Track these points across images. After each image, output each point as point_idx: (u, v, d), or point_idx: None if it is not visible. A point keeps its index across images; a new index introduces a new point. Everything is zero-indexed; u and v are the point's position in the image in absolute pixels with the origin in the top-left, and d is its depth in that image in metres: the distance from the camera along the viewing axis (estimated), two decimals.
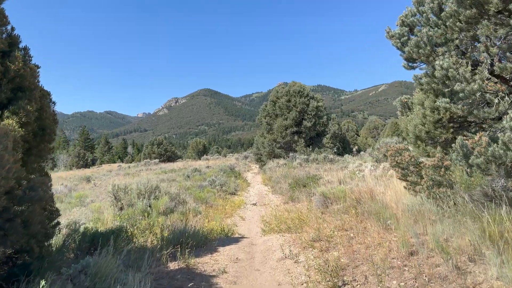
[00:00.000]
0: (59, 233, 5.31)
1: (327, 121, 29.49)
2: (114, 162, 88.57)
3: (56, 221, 4.69)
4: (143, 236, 5.78)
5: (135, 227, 5.96)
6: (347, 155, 28.16)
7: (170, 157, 47.90)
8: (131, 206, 9.13)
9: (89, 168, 66.48)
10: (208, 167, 31.57)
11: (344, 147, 31.44)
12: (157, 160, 41.41)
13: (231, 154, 73.51)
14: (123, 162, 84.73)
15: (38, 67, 4.41)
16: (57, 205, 13.32)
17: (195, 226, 6.65)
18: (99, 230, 5.68)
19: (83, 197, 14.55)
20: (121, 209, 9.37)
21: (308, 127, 27.98)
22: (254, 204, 12.28)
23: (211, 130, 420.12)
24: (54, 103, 4.62)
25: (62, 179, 26.82)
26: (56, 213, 4.70)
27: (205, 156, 47.07)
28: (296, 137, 28.90)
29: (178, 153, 60.46)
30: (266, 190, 16.78)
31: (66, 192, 15.99)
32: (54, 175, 37.67)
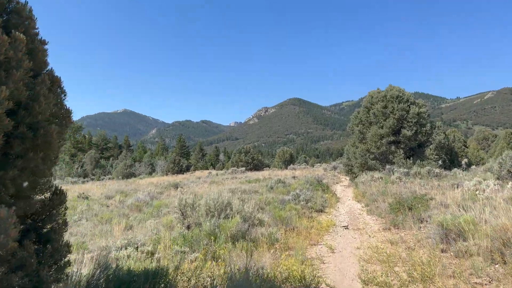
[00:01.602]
0: (78, 272, 3.98)
1: (431, 129, 25.86)
2: (207, 168, 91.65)
3: (65, 260, 3.33)
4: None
5: (178, 271, 4.43)
6: (455, 169, 24.26)
7: (257, 166, 47.21)
8: (199, 225, 7.77)
9: (183, 174, 69.18)
10: (294, 177, 29.85)
11: (451, 159, 27.37)
12: (243, 169, 40.88)
13: (319, 164, 70.92)
14: (214, 168, 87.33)
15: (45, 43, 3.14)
16: (135, 215, 12.70)
17: (265, 268, 4.94)
18: (132, 269, 4.25)
19: (162, 206, 13.80)
20: (188, 227, 8.07)
21: (408, 136, 24.72)
22: (346, 227, 10.20)
23: (299, 139, 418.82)
24: (65, 93, 3.28)
25: (153, 185, 27.27)
26: (64, 249, 3.34)
27: (291, 165, 45.48)
28: (393, 148, 25.78)
29: (265, 161, 59.84)
30: (359, 208, 14.48)
31: (147, 201, 15.51)
32: (147, 180, 39.20)
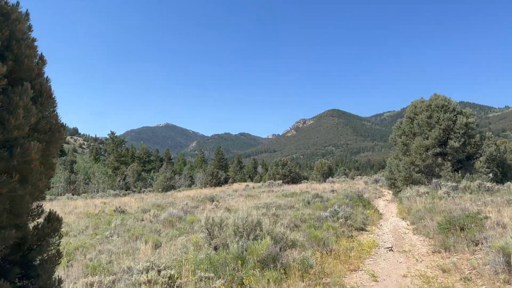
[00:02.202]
0: None
1: (480, 140, 24.05)
2: (245, 181, 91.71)
3: None
4: None
5: None
6: (508, 182, 22.30)
7: (294, 178, 46.27)
8: (226, 246, 7.21)
9: (221, 186, 69.43)
10: (333, 191, 28.75)
11: (503, 172, 25.24)
12: (280, 181, 40.11)
13: (359, 176, 68.75)
14: (252, 181, 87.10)
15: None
16: (167, 231, 12.37)
17: None
18: None
19: (195, 221, 13.39)
20: (215, 248, 7.54)
21: (456, 147, 23.09)
22: (390, 249, 9.28)
23: (338, 151, 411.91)
24: (55, 104, 2.86)
25: (189, 198, 27.16)
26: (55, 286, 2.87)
27: (330, 178, 44.15)
28: (439, 160, 24.19)
29: (303, 174, 58.76)
30: (404, 226, 13.40)
31: (181, 215, 15.19)
32: (184, 193, 39.34)
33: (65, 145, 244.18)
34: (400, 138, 26.16)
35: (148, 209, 19.26)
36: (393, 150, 28.67)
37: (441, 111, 24.71)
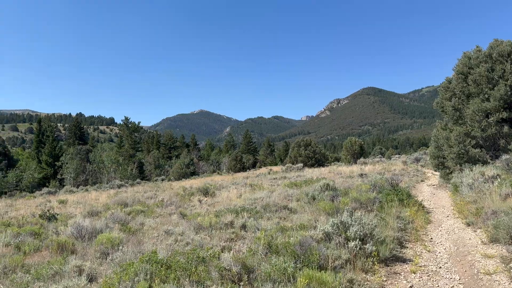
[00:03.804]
0: None
1: None
2: (276, 164, 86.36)
3: None
4: None
5: None
6: None
7: (320, 160, 40.01)
8: None
9: (245, 171, 64.30)
10: (361, 175, 22.50)
11: None
12: (301, 165, 34.10)
13: (397, 155, 61.21)
14: (282, 164, 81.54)
15: None
16: None
17: None
18: None
19: (114, 242, 7.78)
20: None
21: None
22: None
23: (375, 130, 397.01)
24: None
25: (181, 189, 21.59)
26: None
27: (362, 159, 37.56)
28: (506, 129, 17.39)
29: (335, 155, 52.40)
30: (474, 242, 7.27)
31: (90, 232, 9.74)
32: (187, 182, 34.11)
33: (101, 135, 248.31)
34: (450, 101, 19.36)
35: (98, 211, 13.99)
36: (440, 118, 21.91)
37: (507, 60, 17.76)
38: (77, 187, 40.55)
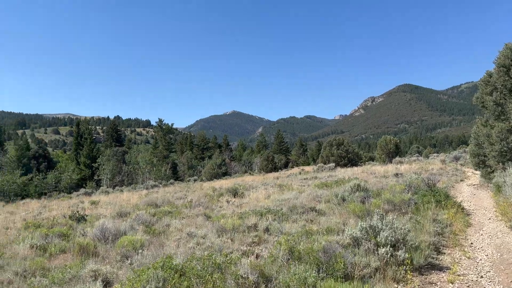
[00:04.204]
0: None
1: None
2: (308, 164, 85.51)
3: None
4: None
5: None
6: None
7: (353, 160, 38.97)
8: None
9: (277, 171, 63.89)
10: (397, 175, 21.63)
11: None
12: (333, 165, 33.32)
13: (435, 154, 58.85)
14: (315, 163, 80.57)
15: None
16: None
17: None
18: None
19: (135, 244, 7.68)
20: None
21: None
22: None
23: (412, 128, 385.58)
24: None
25: (210, 189, 21.56)
26: None
27: (397, 158, 36.24)
28: None
29: (363, 154, 51.10)
30: None
31: (115, 233, 9.69)
32: (217, 183, 34.13)
33: (138, 137, 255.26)
34: (491, 96, 18.19)
35: (127, 212, 14.08)
36: (480, 114, 20.69)
37: None
38: (113, 188, 41.61)
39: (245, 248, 6.44)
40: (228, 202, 16.37)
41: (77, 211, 13.08)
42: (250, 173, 58.84)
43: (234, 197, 18.88)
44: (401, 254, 5.70)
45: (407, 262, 5.56)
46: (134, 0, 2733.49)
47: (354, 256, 5.53)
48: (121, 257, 7.04)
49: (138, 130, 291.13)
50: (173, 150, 69.46)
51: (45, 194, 38.14)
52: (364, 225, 6.40)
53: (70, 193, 36.72)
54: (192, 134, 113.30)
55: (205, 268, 4.76)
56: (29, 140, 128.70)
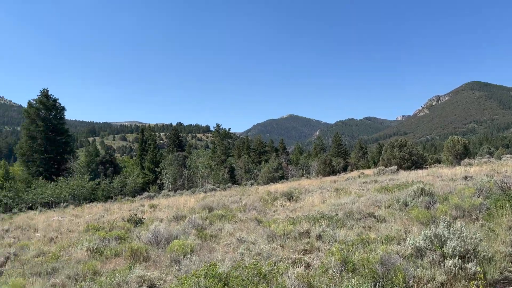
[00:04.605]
0: None
1: None
2: (369, 167, 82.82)
3: None
4: None
5: None
6: None
7: (417, 162, 36.78)
8: None
9: (335, 175, 62.39)
10: (466, 177, 19.91)
11: None
12: (395, 168, 31.67)
13: (509, 155, 54.00)
14: (376, 166, 77.80)
15: None
16: None
17: None
18: None
19: (185, 249, 7.62)
20: None
21: None
22: None
23: (481, 127, 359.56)
24: None
25: (265, 193, 21.40)
26: None
27: (466, 159, 33.63)
28: None
29: (428, 156, 48.08)
30: None
31: (168, 237, 9.65)
32: (272, 187, 33.85)
33: (198, 142, 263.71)
34: None
35: (182, 216, 14.24)
36: None
37: None
38: (175, 192, 42.96)
39: (295, 256, 6.06)
40: (282, 206, 16.03)
41: (135, 214, 13.45)
42: (307, 177, 58.02)
43: (289, 201, 18.50)
44: (471, 266, 4.99)
45: (479, 276, 4.84)
46: (195, 3, 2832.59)
47: (417, 269, 4.93)
48: (170, 262, 6.97)
49: (198, 135, 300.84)
50: (231, 154, 70.51)
51: (111, 197, 40.25)
52: (429, 234, 5.73)
53: (134, 196, 38.43)
54: (249, 139, 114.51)
55: (250, 278, 4.46)
56: (99, 147, 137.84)
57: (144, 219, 13.34)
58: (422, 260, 5.50)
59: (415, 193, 10.90)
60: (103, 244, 9.12)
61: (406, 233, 7.16)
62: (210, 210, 16.22)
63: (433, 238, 5.67)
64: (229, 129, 70.80)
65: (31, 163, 49.08)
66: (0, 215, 26.23)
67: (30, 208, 35.64)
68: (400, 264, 4.82)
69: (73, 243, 9.43)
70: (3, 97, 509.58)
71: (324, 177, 56.23)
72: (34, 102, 51.34)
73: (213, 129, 71.51)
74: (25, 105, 53.42)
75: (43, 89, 52.11)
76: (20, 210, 33.39)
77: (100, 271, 6.57)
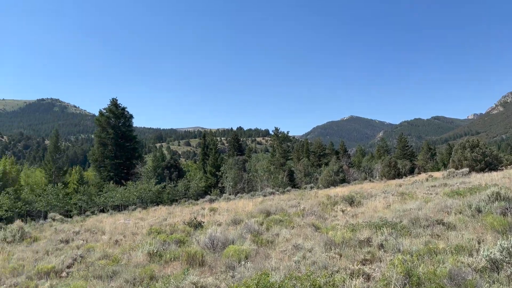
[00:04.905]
0: None
1: None
2: (438, 169, 78.37)
3: None
4: None
5: None
6: None
7: (491, 164, 33.90)
8: None
9: (400, 178, 59.64)
10: None
11: None
12: (466, 170, 29.43)
13: None
14: (446, 169, 73.38)
15: None
16: None
17: None
18: None
19: (240, 255, 7.55)
20: None
21: None
22: None
23: None
24: None
25: (325, 197, 20.85)
26: None
27: None
28: None
29: (504, 157, 44.13)
30: None
31: (222, 242, 9.61)
32: (332, 191, 32.97)
33: (258, 146, 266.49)
34: None
35: (239, 220, 14.28)
36: None
37: None
38: (235, 195, 43.62)
39: (354, 266, 5.69)
40: (342, 211, 15.46)
41: (195, 218, 13.71)
42: (370, 180, 56.04)
43: (350, 206, 17.84)
44: None
45: None
46: (246, 6, 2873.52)
47: (492, 284, 4.38)
48: (225, 267, 6.91)
49: (258, 139, 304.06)
50: (290, 157, 70.17)
51: (176, 201, 41.81)
52: (506, 244, 5.10)
53: (197, 199, 39.56)
54: (309, 141, 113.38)
55: None
56: (165, 152, 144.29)
57: (203, 222, 13.55)
58: (498, 274, 4.89)
59: (489, 197, 9.92)
60: (163, 247, 9.33)
61: (479, 243, 6.47)
62: (268, 214, 16.10)
63: (511, 249, 5.04)
64: (288, 132, 70.60)
65: (102, 168, 52.47)
66: (75, 217, 28.28)
67: (102, 210, 38.09)
68: (473, 278, 4.30)
69: (135, 246, 9.78)
70: (78, 107, 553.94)
71: (389, 180, 54.01)
72: (105, 111, 54.97)
73: (272, 133, 71.60)
74: (97, 114, 57.45)
75: (112, 99, 55.62)
76: (92, 212, 35.78)
77: (157, 275, 6.69)
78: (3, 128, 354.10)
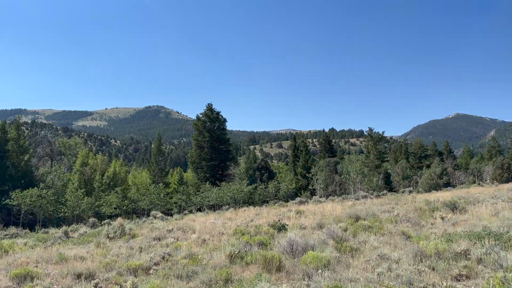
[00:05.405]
0: None
1: None
2: None
3: None
4: None
5: None
6: None
7: None
8: None
9: None
10: None
11: None
12: None
13: None
14: None
15: None
16: None
17: None
18: None
19: (319, 262, 7.18)
20: None
21: None
22: None
23: None
24: None
25: (423, 203, 19.14)
26: None
27: None
28: None
29: None
30: None
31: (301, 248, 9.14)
32: (433, 195, 30.19)
33: (351, 147, 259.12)
34: None
35: (323, 224, 13.74)
36: None
37: None
38: (326, 198, 42.68)
39: (446, 283, 4.93)
40: (442, 218, 13.99)
41: (278, 220, 13.55)
42: (479, 184, 50.58)
43: (452, 212, 16.10)
44: None
45: None
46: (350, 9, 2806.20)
47: None
48: (303, 275, 6.57)
49: (351, 140, 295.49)
50: (386, 159, 66.59)
51: (267, 202, 42.37)
52: None
53: (287, 201, 39.59)
54: (408, 142, 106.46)
55: None
56: (258, 154, 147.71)
57: (287, 225, 13.32)
58: None
59: None
60: (245, 249, 9.31)
61: None
62: (357, 219, 15.26)
63: None
64: (383, 132, 66.98)
65: (199, 170, 55.53)
66: (175, 215, 30.19)
67: (199, 210, 40.20)
68: None
69: (218, 247, 9.93)
70: (181, 113, 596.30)
71: (501, 184, 48.39)
72: (201, 115, 58.16)
73: (366, 133, 68.67)
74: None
75: (208, 104, 58.61)
76: (190, 211, 37.94)
77: (233, 278, 6.63)
78: (116, 133, 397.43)
